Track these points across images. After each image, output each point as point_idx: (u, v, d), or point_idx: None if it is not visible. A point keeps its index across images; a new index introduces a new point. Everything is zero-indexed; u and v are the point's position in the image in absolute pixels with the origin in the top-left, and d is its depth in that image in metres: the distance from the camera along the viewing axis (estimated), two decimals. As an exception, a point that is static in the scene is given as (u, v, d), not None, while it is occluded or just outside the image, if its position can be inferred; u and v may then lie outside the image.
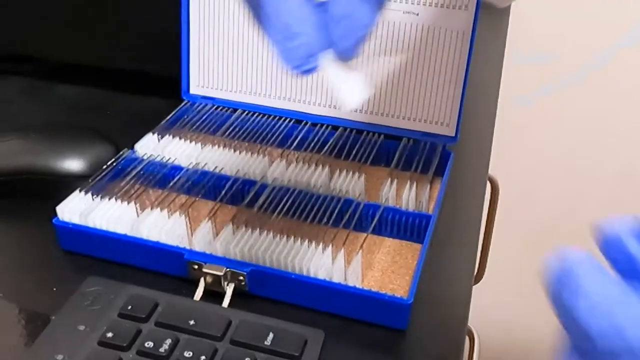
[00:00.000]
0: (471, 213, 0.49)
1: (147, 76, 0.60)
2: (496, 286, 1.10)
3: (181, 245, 0.41)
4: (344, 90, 0.34)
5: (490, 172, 0.65)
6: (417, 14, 0.49)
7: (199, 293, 0.40)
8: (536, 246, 1.11)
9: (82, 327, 0.35)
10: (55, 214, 0.43)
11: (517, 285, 1.15)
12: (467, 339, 0.48)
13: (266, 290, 0.40)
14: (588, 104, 0.98)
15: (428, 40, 0.50)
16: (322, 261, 0.40)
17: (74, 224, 0.42)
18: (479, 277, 0.67)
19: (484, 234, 0.67)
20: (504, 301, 1.17)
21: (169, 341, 0.35)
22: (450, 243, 0.46)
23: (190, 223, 0.42)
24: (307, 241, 0.41)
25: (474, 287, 0.66)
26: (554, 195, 1.07)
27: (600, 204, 1.04)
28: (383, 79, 0.51)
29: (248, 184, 0.46)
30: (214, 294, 0.40)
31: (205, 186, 0.46)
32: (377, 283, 0.41)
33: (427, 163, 0.49)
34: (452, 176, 0.51)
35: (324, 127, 0.52)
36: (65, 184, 0.46)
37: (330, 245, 0.40)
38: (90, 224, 0.42)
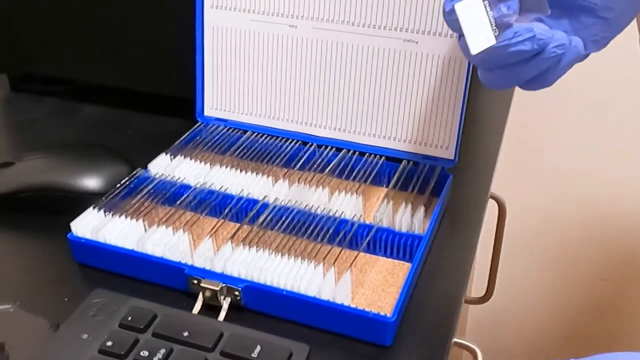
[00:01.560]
0: (468, 234, 0.51)
1: (168, 99, 0.64)
2: (504, 305, 1.11)
3: (183, 261, 0.44)
4: (472, 34, 0.37)
5: (499, 192, 0.67)
6: (417, 42, 0.52)
7: (197, 306, 0.43)
8: (545, 266, 1.12)
9: (85, 336, 0.38)
10: (70, 229, 0.46)
11: (525, 304, 1.16)
12: (470, 357, 0.50)
13: (260, 305, 0.42)
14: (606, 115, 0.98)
15: (427, 67, 0.52)
16: (313, 278, 0.42)
17: (86, 239, 0.45)
18: (487, 297, 0.69)
19: (493, 254, 0.68)
20: (512, 320, 1.18)
21: (163, 351, 0.37)
22: (444, 263, 0.48)
23: (192, 240, 0.45)
24: (300, 259, 0.43)
25: (481, 306, 0.68)
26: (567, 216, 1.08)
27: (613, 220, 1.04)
28: (384, 103, 0.54)
29: (251, 202, 0.49)
30: (211, 308, 0.43)
31: (210, 204, 0.48)
32: (367, 300, 0.43)
33: (424, 185, 0.51)
34: (452, 198, 0.53)
35: (328, 148, 0.55)
36: (83, 201, 0.49)
37: (322, 263, 0.43)
38: (101, 239, 0.45)
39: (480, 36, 0.37)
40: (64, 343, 0.38)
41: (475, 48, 0.37)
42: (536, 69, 0.39)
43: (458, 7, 0.37)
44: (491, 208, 0.66)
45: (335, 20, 0.53)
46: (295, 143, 0.55)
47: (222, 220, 0.47)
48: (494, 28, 0.37)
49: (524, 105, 0.84)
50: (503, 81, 0.40)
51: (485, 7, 0.37)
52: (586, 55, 0.42)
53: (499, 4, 0.37)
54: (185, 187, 0.50)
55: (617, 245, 1.08)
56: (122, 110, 0.67)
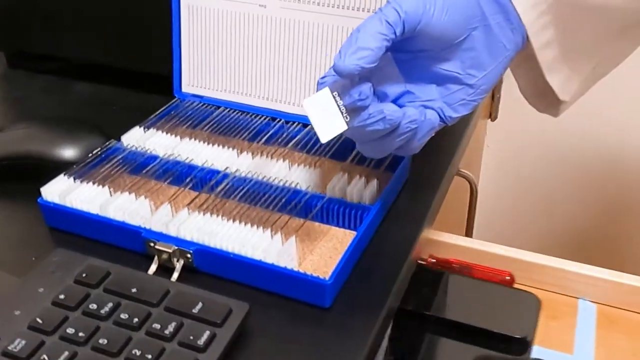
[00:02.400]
0: (422, 207, 0.53)
1: (153, 77, 0.66)
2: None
3: (142, 225, 0.47)
4: (322, 123, 0.41)
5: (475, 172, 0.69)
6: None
7: (153, 268, 0.45)
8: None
9: (41, 290, 0.41)
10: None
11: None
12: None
13: (210, 267, 0.45)
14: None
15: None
16: (260, 243, 0.44)
17: (54, 204, 0.48)
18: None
19: (466, 232, 0.70)
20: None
21: (110, 304, 0.40)
22: (394, 234, 0.50)
23: (153, 206, 0.48)
24: (250, 225, 0.46)
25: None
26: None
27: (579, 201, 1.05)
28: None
29: (213, 173, 0.51)
30: (167, 269, 0.45)
31: (174, 174, 0.51)
32: (313, 266, 0.46)
33: (381, 160, 0.52)
34: (414, 174, 0.55)
35: (295, 124, 0.57)
36: (60, 170, 0.52)
37: (270, 229, 0.45)
38: (68, 204, 0.48)
39: (331, 124, 0.41)
40: (22, 295, 0.41)
41: (324, 137, 0.41)
42: (397, 141, 0.44)
43: (306, 103, 0.41)
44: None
45: (303, 0, 0.55)
46: (264, 119, 0.58)
47: (183, 189, 0.49)
48: (344, 115, 0.41)
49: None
50: (375, 152, 0.46)
51: (335, 97, 0.41)
52: (455, 119, 0.46)
53: (350, 91, 0.41)
54: (153, 158, 0.53)
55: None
56: (111, 88, 0.70)
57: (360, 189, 0.49)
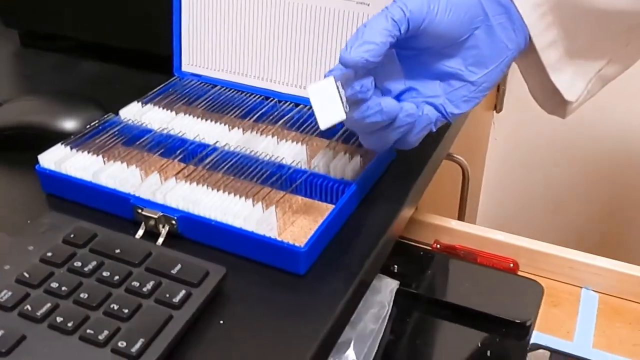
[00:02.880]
0: (405, 186, 0.54)
1: (155, 56, 0.68)
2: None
3: (131, 193, 0.49)
4: (322, 111, 0.43)
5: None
6: (369, 5, 0.55)
7: (140, 233, 0.48)
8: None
9: (31, 248, 0.44)
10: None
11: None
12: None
13: (194, 234, 0.47)
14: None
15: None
16: (241, 211, 0.46)
17: (51, 171, 0.51)
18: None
19: (458, 216, 0.71)
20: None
21: (94, 263, 0.42)
22: (376, 210, 0.51)
23: (142, 175, 0.50)
24: (233, 194, 0.48)
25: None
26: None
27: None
28: (339, 62, 0.57)
29: (202, 146, 0.53)
30: (153, 235, 0.48)
31: (166, 146, 0.53)
32: (293, 236, 0.48)
33: (367, 139, 0.54)
34: (401, 155, 0.57)
35: (287, 103, 0.59)
36: (60, 140, 0.55)
37: (252, 199, 0.47)
38: (63, 171, 0.51)
39: (332, 112, 0.43)
40: (13, 252, 0.43)
41: (324, 123, 0.43)
42: (395, 133, 0.46)
43: (309, 89, 0.43)
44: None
45: (297, -17, 0.57)
46: (258, 97, 0.60)
47: (172, 160, 0.52)
48: (345, 105, 0.43)
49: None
50: (376, 144, 0.48)
51: (338, 87, 0.43)
52: (456, 115, 0.49)
53: (352, 83, 0.43)
54: (147, 131, 0.55)
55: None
56: (116, 66, 0.72)
57: (343, 165, 0.51)
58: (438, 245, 0.64)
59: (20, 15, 0.74)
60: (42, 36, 0.76)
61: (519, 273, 0.62)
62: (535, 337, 0.56)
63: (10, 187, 0.55)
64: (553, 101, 0.54)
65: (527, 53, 0.49)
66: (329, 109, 0.43)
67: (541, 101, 0.55)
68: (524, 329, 0.55)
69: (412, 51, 0.47)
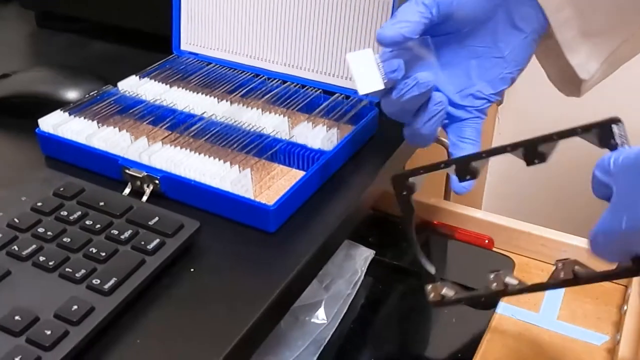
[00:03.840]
0: (379, 160, 0.57)
1: (158, 37, 0.72)
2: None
3: (120, 155, 0.53)
4: (361, 78, 0.46)
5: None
6: (352, -13, 0.58)
7: (126, 191, 0.51)
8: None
9: (24, 198, 0.48)
10: (42, 127, 0.56)
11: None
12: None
13: (175, 193, 0.51)
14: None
15: (357, 9, 0.58)
16: (219, 172, 0.50)
17: (49, 133, 0.55)
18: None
19: (445, 197, 0.74)
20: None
21: (79, 213, 0.46)
22: (352, 179, 0.54)
23: (132, 139, 0.54)
24: (213, 158, 0.51)
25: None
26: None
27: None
28: (325, 43, 0.60)
29: (190, 116, 0.57)
30: (139, 194, 0.51)
31: (157, 115, 0.57)
32: (267, 199, 0.51)
33: (345, 114, 0.57)
34: (381, 131, 0.60)
35: (275, 80, 0.62)
36: (63, 108, 0.59)
37: (229, 162, 0.50)
38: (60, 134, 0.55)
39: (370, 80, 0.46)
40: (7, 201, 0.48)
41: (363, 89, 0.47)
42: (432, 109, 0.49)
43: (348, 57, 0.46)
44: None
45: (287, -34, 0.60)
46: (248, 75, 0.63)
47: (161, 127, 0.55)
48: (383, 76, 0.46)
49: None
50: (415, 133, 0.51)
51: (376, 58, 0.46)
52: (498, 95, 0.52)
53: (390, 60, 0.46)
54: (141, 102, 0.59)
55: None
56: (123, 46, 0.76)
57: (321, 136, 0.54)
58: (418, 220, 0.66)
59: (36, -4, 0.79)
60: (56, 17, 0.80)
61: (494, 249, 0.64)
62: (502, 307, 0.58)
63: (14, 149, 0.59)
64: (568, 82, 0.55)
65: (545, 36, 0.51)
66: (367, 77, 0.46)
67: (557, 83, 0.57)
68: (490, 299, 0.57)
69: (441, 37, 0.50)
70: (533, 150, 0.42)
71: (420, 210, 0.68)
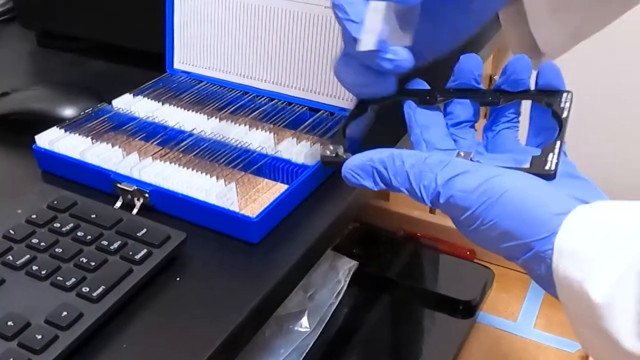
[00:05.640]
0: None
1: (155, 55, 0.75)
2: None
3: (112, 169, 0.55)
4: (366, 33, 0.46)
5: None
6: (335, 9, 0.61)
7: (117, 204, 0.54)
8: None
9: (19, 211, 0.50)
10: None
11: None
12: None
13: (164, 206, 0.53)
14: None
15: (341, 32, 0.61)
16: (205, 186, 0.52)
17: (45, 149, 0.58)
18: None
19: (430, 210, 0.76)
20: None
21: (71, 224, 0.49)
22: (334, 194, 0.57)
23: (123, 154, 0.56)
24: (200, 172, 0.54)
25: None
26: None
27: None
28: (310, 62, 0.63)
29: (180, 132, 0.59)
30: (130, 207, 0.54)
31: (148, 131, 0.59)
32: (252, 212, 0.53)
33: (329, 130, 0.60)
34: (364, 147, 0.62)
35: (263, 98, 0.65)
36: (59, 125, 0.61)
37: (215, 176, 0.53)
38: (55, 150, 0.57)
39: (369, 38, 0.46)
40: (3, 213, 0.50)
41: (364, 46, 0.46)
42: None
43: (372, 3, 0.46)
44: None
45: (274, -11, 0.63)
46: (238, 92, 0.66)
47: (152, 143, 0.58)
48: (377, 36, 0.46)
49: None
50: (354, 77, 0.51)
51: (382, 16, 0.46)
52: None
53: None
54: (134, 118, 0.61)
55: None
56: (120, 65, 0.79)
57: (305, 152, 0.57)
58: (402, 233, 0.69)
59: (36, 17, 0.82)
60: (56, 36, 0.83)
61: (475, 261, 0.66)
62: (481, 317, 0.60)
63: (11, 163, 0.62)
64: (528, 49, 0.57)
65: (512, 3, 0.53)
66: (369, 34, 0.46)
67: (517, 49, 0.59)
68: (470, 309, 0.59)
69: None
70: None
71: (405, 222, 0.70)
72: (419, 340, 0.59)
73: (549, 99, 0.47)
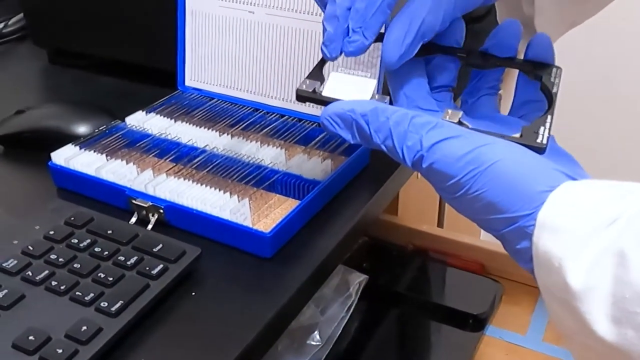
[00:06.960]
0: (372, 191, 0.60)
1: (163, 72, 0.76)
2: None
3: (127, 186, 0.56)
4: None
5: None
6: (345, 28, 0.62)
7: (132, 220, 0.55)
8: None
9: (37, 227, 0.51)
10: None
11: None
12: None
13: (178, 222, 0.54)
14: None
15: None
16: (219, 202, 0.53)
17: (61, 166, 0.59)
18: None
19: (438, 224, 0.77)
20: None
21: (88, 240, 0.50)
22: (345, 210, 0.58)
23: (138, 171, 0.57)
24: (214, 188, 0.55)
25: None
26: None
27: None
28: (320, 78, 0.64)
29: (194, 149, 0.60)
30: (145, 223, 0.55)
31: (162, 148, 0.61)
32: (264, 227, 0.54)
33: (339, 146, 0.61)
34: (375, 162, 0.63)
35: (274, 115, 0.66)
36: (74, 142, 0.62)
37: (229, 192, 0.54)
38: (71, 167, 0.58)
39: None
40: (22, 230, 0.51)
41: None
42: None
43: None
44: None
45: (284, 7, 0.64)
46: (248, 109, 0.67)
47: (165, 160, 0.59)
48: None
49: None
50: None
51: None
52: None
53: None
54: (147, 135, 0.62)
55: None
56: (129, 82, 0.80)
57: (315, 167, 0.58)
58: (411, 247, 0.70)
59: (48, 35, 0.83)
60: (68, 54, 0.85)
61: (485, 275, 0.67)
62: (491, 330, 0.61)
63: (28, 181, 0.63)
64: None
65: None
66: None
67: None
68: (480, 322, 0.60)
69: None
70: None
71: (414, 236, 0.71)
72: (429, 354, 0.60)
73: (538, 71, 0.45)
